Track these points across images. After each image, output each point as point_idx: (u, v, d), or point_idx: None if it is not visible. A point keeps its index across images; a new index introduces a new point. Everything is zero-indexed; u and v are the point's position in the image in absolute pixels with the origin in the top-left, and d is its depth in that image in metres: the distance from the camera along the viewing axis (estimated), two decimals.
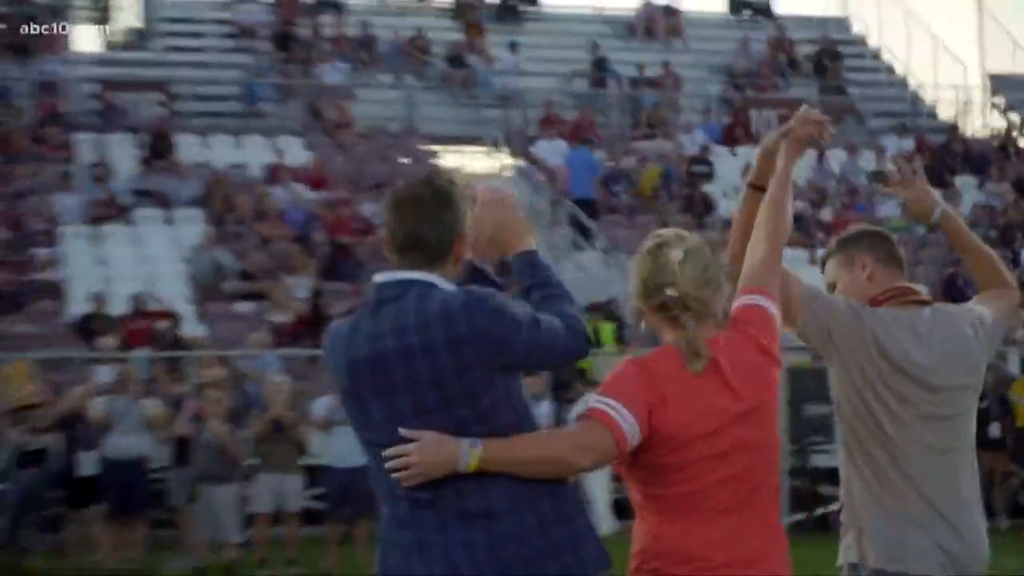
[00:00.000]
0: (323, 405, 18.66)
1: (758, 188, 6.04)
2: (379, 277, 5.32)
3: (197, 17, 37.36)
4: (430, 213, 5.15)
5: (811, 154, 30.30)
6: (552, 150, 31.32)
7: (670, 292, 5.19)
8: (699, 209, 30.02)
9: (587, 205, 30.23)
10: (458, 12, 37.59)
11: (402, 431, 4.98)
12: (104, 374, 20.51)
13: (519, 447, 5.13)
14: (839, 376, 6.17)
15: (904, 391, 5.97)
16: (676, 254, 5.27)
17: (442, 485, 5.00)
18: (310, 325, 23.19)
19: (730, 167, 31.18)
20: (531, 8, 38.64)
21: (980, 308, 6.40)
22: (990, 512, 18.32)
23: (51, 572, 18.96)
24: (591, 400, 5.42)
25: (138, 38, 37.25)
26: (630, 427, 5.01)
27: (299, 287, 25.41)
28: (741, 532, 5.24)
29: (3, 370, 19.28)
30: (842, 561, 6.18)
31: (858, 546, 6.09)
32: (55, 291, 25.35)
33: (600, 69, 35.66)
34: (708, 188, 30.92)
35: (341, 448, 17.47)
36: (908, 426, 5.97)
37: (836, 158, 33.04)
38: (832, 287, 6.43)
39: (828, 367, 6.41)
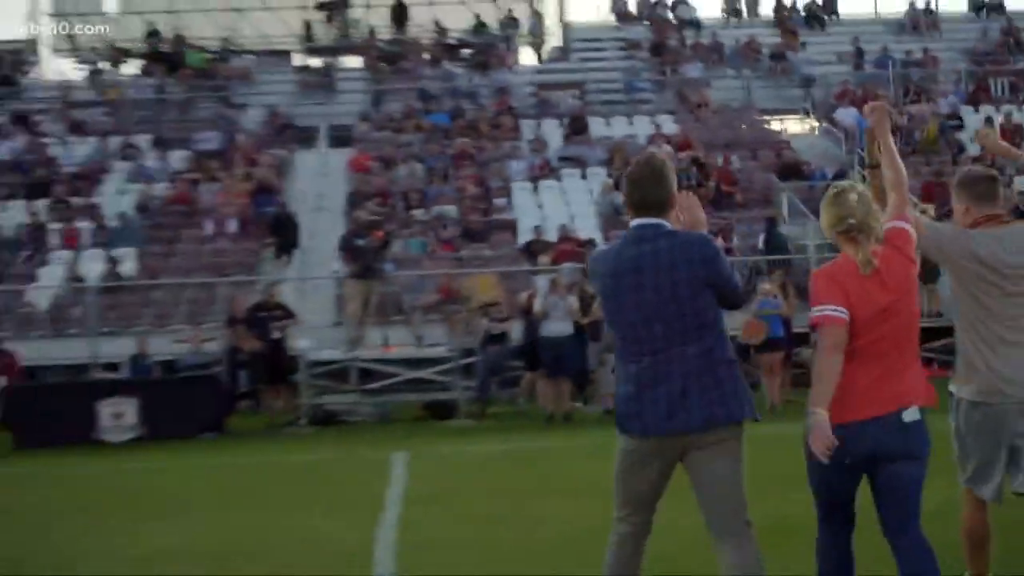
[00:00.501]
0: None
1: (874, 167, 6.05)
2: (635, 222, 5.46)
3: (600, 37, 37.88)
4: (655, 181, 5.39)
5: None
6: (847, 115, 30.71)
7: (851, 221, 5.35)
8: (953, 151, 29.40)
9: None
10: (779, 22, 37.51)
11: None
12: (542, 282, 20.52)
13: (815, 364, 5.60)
14: (951, 273, 6.11)
15: (991, 278, 5.81)
16: (853, 196, 5.38)
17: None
18: None
19: (974, 121, 30.58)
20: (830, 15, 38.38)
21: None
22: None
23: (504, 413, 19.66)
24: (814, 311, 5.45)
25: (561, 53, 38.01)
26: (844, 314, 5.29)
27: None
28: (890, 367, 5.39)
29: (475, 281, 20.85)
30: (951, 389, 6.04)
31: (962, 381, 5.97)
32: (509, 227, 26.34)
33: (880, 55, 35.07)
34: (960, 136, 30.31)
35: None
36: (995, 299, 5.81)
37: None
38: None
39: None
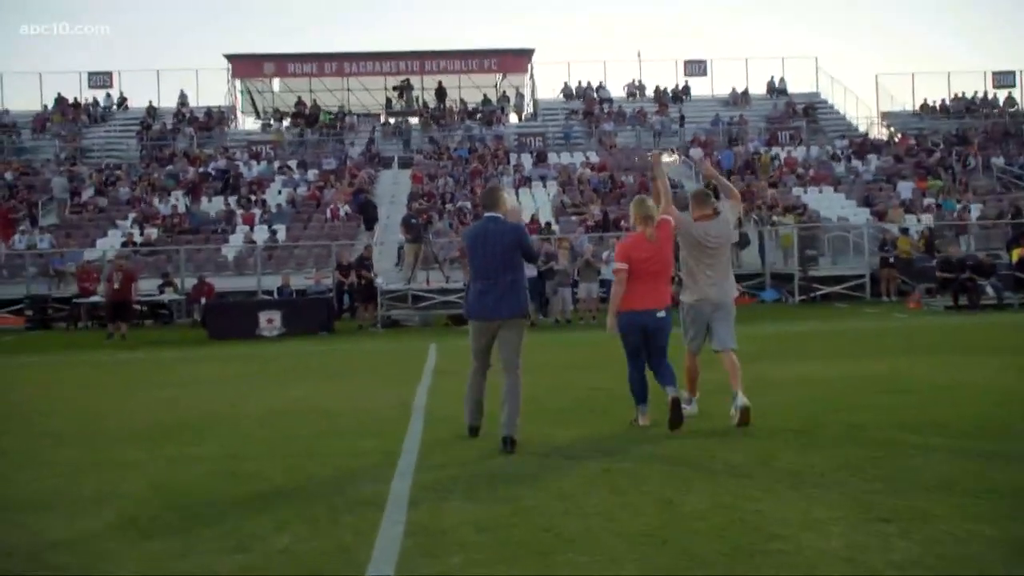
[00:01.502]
0: None
1: (654, 179, 6.87)
2: (486, 215, 6.02)
3: (555, 107, 36.80)
4: (496, 198, 6.06)
5: None
6: (696, 152, 29.63)
7: (647, 214, 6.13)
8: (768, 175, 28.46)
9: None
10: (657, 99, 36.16)
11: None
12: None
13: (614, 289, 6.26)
14: (682, 240, 6.49)
15: (700, 245, 6.38)
16: (649, 202, 6.24)
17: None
18: None
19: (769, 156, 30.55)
20: (686, 96, 36.87)
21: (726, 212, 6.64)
22: None
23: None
24: (614, 264, 6.32)
25: (533, 116, 36.92)
26: (625, 266, 6.10)
27: None
28: (655, 286, 6.16)
29: None
30: (681, 299, 6.60)
31: (686, 294, 6.54)
32: None
33: (714, 117, 34.33)
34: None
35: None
36: (702, 254, 6.40)
37: None
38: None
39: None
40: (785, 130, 33.68)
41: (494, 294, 5.85)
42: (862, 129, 35.26)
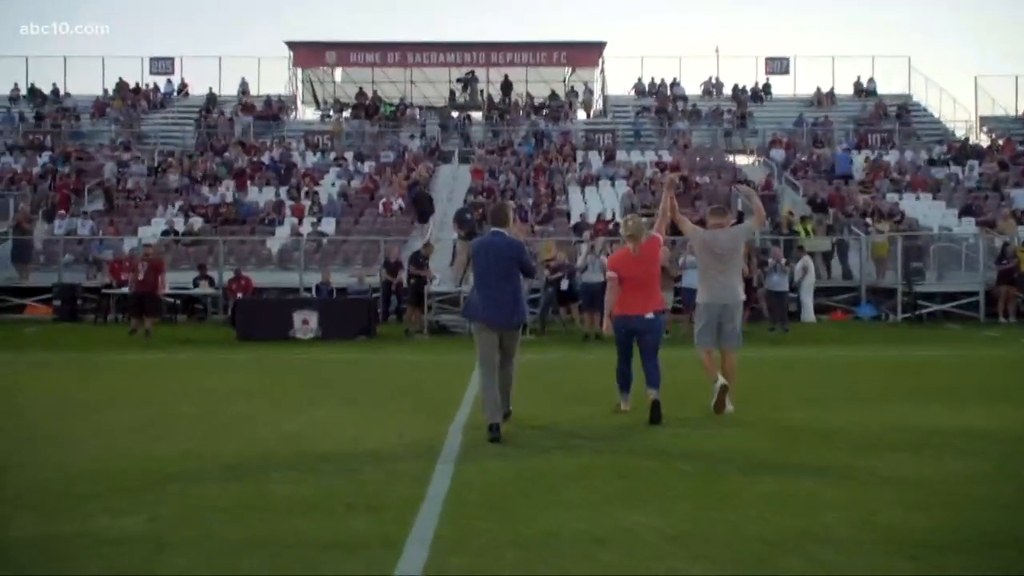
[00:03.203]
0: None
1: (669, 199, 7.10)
2: (492, 229, 6.44)
3: (626, 104, 34.72)
4: (503, 215, 6.55)
5: None
6: (776, 154, 27.89)
7: (630, 232, 6.82)
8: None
9: None
10: (735, 97, 33.91)
11: None
12: (584, 247, 17.41)
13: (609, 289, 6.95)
14: (696, 247, 7.24)
15: (712, 251, 7.05)
16: (632, 221, 6.89)
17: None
18: None
19: (859, 160, 27.60)
20: (766, 95, 34.68)
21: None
22: None
23: (556, 331, 16.90)
24: (608, 273, 6.97)
25: (602, 113, 34.86)
26: (616, 275, 6.84)
27: None
28: (644, 294, 6.78)
29: (542, 244, 17.93)
30: (696, 299, 7.21)
31: (700, 294, 7.14)
32: (564, 214, 23.22)
33: (797, 118, 32.04)
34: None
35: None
36: (713, 260, 7.06)
37: None
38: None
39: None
40: (875, 132, 30.81)
41: (501, 303, 6.26)
42: (959, 134, 32.17)
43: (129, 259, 16.64)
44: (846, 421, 6.66)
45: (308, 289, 17.81)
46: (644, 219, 7.17)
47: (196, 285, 18.16)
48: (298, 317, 14.80)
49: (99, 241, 20.61)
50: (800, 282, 17.31)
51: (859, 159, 28.27)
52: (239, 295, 17.05)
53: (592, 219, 22.16)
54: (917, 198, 24.81)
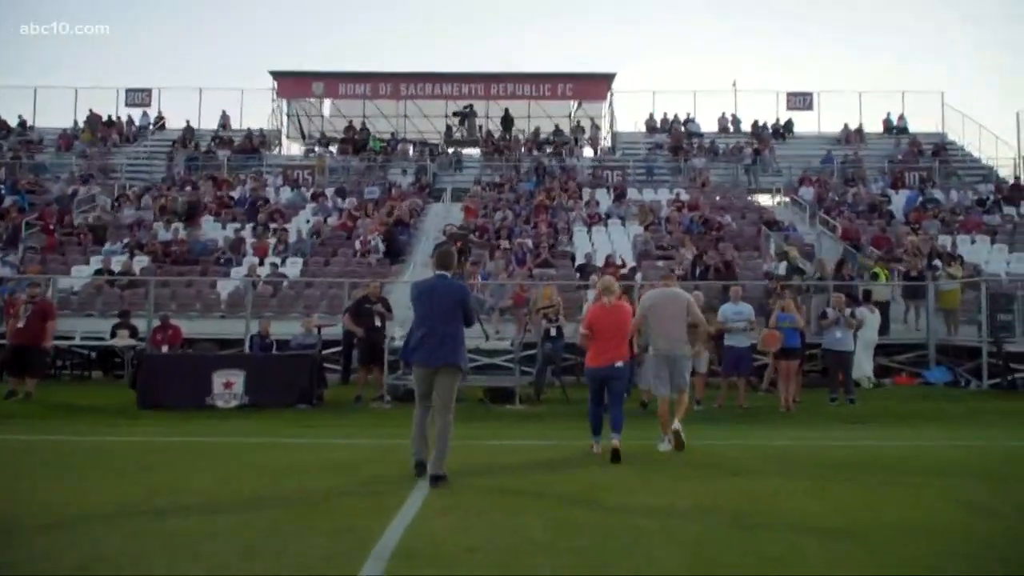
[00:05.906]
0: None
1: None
2: (436, 272, 6.52)
3: (636, 141, 31.44)
4: (448, 258, 6.60)
5: None
6: (806, 192, 24.55)
7: (606, 287, 7.54)
8: (885, 219, 22.59)
9: None
10: (755, 134, 30.77)
11: None
12: (591, 293, 15.54)
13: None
14: (647, 310, 8.05)
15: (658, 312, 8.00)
16: (608, 279, 7.71)
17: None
18: None
19: (899, 199, 24.50)
20: (788, 132, 31.50)
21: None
22: None
23: (555, 400, 13.14)
24: (580, 328, 7.61)
25: (610, 150, 31.54)
26: (589, 330, 7.39)
27: None
28: (613, 344, 7.32)
29: (540, 290, 14.18)
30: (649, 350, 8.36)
31: (654, 347, 7.96)
32: (569, 256, 19.70)
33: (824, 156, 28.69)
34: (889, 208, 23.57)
35: None
36: (660, 318, 7.94)
37: None
38: None
39: None
40: (914, 170, 27.32)
41: (432, 343, 6.22)
42: (1003, 172, 28.65)
43: (10, 302, 12.87)
44: None
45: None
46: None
47: (114, 335, 14.49)
48: (219, 379, 11.15)
49: (16, 281, 17.05)
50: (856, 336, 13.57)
51: (898, 199, 24.80)
52: (164, 348, 13.44)
53: (600, 261, 18.61)
54: (972, 241, 21.19)
